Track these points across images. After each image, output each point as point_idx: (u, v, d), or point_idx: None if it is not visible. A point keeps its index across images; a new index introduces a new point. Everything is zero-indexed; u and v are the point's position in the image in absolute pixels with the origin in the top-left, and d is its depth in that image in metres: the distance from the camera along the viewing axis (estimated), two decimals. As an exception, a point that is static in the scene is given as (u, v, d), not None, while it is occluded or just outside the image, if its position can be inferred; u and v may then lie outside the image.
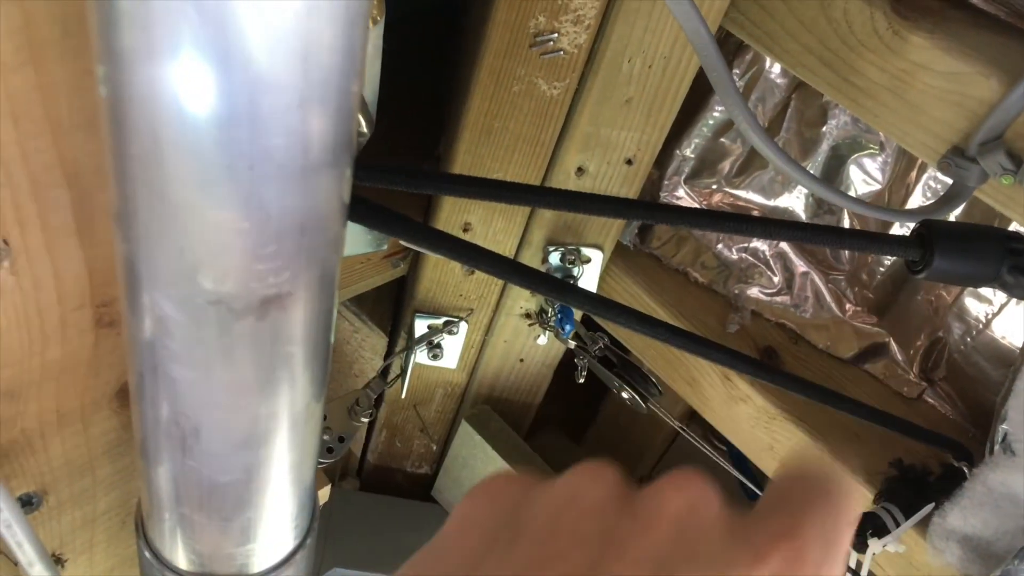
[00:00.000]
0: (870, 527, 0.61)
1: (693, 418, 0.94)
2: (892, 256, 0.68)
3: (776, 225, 0.46)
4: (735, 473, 0.80)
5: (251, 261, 0.30)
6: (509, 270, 0.48)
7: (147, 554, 0.47)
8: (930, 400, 0.76)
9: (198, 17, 0.23)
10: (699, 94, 0.74)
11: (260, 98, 0.26)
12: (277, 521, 0.45)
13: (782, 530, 0.22)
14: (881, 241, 0.47)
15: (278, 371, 0.35)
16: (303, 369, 0.37)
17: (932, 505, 0.60)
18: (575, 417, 1.17)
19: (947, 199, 0.55)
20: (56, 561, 0.55)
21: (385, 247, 0.73)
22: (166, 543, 0.46)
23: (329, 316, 0.37)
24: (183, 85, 0.25)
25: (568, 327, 0.75)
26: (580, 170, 0.69)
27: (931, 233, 0.45)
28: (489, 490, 0.25)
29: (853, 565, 0.61)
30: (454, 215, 0.72)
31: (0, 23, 0.31)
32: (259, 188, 0.28)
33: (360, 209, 0.47)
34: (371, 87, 0.60)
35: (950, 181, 0.58)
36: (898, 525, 0.60)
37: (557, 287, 0.49)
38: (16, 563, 0.47)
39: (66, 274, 0.41)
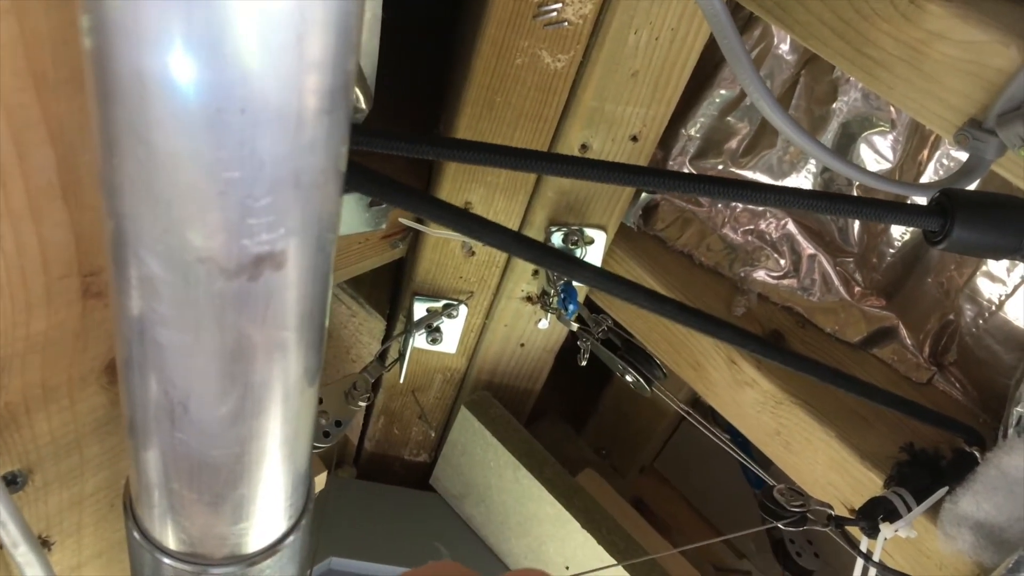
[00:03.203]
0: (881, 512, 0.59)
1: (694, 407, 0.92)
2: (910, 226, 0.66)
3: (791, 194, 0.45)
4: (739, 457, 0.79)
5: (243, 214, 0.28)
6: (516, 243, 0.46)
7: (136, 535, 0.46)
8: (940, 385, 0.74)
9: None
10: (704, 73, 0.72)
11: (253, 35, 0.24)
12: (270, 500, 0.43)
13: None
14: (899, 210, 0.45)
15: (271, 337, 0.34)
16: (298, 336, 0.35)
17: (946, 489, 0.59)
18: (576, 405, 1.15)
19: (963, 173, 0.53)
20: (43, 544, 0.53)
21: (383, 226, 0.72)
22: (156, 523, 0.44)
23: (326, 282, 0.35)
24: (170, 24, 0.23)
25: (572, 307, 0.73)
26: (584, 147, 0.68)
27: (951, 202, 0.43)
28: None
29: (864, 550, 0.59)
30: (455, 193, 0.70)
31: (-23, -36, 0.30)
32: (251, 133, 0.26)
33: (363, 179, 0.46)
34: (370, 60, 0.58)
35: (963, 158, 0.56)
36: (910, 510, 0.59)
37: (566, 261, 0.48)
38: (0, 544, 0.46)
39: (52, 240, 0.39)
